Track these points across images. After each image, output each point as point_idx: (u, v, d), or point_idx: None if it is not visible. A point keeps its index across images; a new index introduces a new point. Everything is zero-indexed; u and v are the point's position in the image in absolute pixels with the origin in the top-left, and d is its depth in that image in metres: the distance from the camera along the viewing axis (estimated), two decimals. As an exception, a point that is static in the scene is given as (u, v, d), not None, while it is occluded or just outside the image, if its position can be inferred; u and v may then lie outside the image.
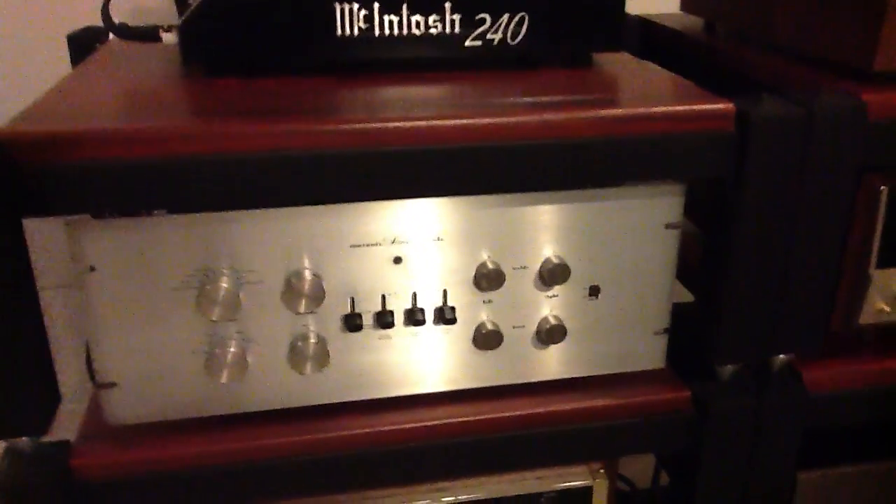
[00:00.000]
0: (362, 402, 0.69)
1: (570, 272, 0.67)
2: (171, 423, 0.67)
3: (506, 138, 0.60)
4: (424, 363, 0.69)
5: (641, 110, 0.62)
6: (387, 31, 0.72)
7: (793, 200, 0.66)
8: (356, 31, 0.71)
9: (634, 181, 0.67)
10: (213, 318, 0.62)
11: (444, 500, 0.75)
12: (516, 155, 0.60)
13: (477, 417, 0.70)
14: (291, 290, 0.63)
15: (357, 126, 0.58)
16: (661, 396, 0.74)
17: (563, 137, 0.61)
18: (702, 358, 0.74)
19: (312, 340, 0.65)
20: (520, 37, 0.74)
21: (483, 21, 0.74)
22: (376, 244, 0.64)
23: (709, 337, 0.71)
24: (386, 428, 0.69)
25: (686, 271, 0.73)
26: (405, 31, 0.73)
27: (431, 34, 0.73)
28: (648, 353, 0.73)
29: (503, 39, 0.74)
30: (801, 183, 0.65)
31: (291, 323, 0.65)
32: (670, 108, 0.63)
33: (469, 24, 0.73)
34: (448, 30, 0.73)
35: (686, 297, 0.76)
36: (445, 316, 0.67)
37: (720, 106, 0.63)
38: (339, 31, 0.71)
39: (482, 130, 0.60)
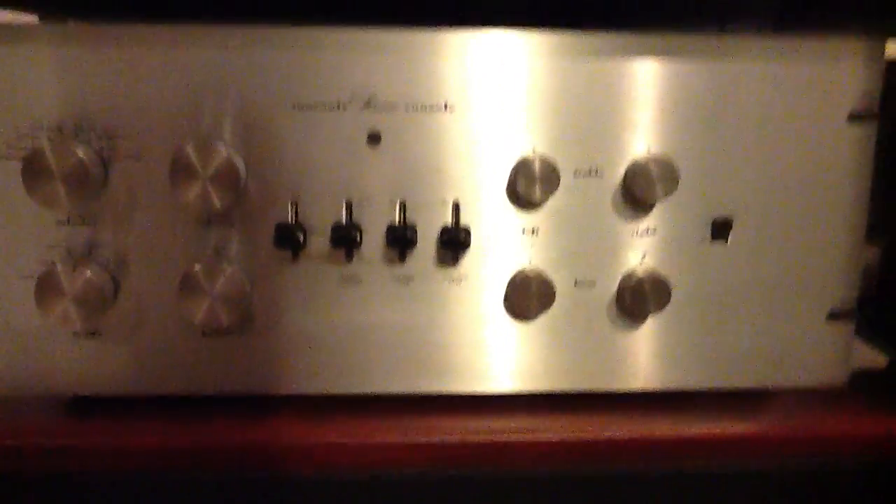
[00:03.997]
0: (305, 397, 0.40)
1: (677, 181, 0.38)
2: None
3: None
4: (413, 337, 0.40)
5: None
6: None
7: None
8: None
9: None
10: (39, 202, 0.36)
11: None
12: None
13: (491, 439, 0.40)
14: (186, 170, 0.36)
15: None
16: (838, 431, 0.42)
17: None
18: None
19: (223, 267, 0.37)
20: None
21: None
22: (337, 107, 0.38)
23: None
24: (340, 444, 0.40)
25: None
26: None
27: None
28: (816, 353, 0.42)
29: None
30: None
31: (190, 233, 0.38)
32: None
33: None
34: None
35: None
36: (457, 244, 0.39)
37: None
38: None
39: None
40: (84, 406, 0.41)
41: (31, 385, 0.39)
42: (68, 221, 0.37)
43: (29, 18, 0.60)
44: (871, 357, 0.47)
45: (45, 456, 0.39)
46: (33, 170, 0.35)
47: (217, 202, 0.36)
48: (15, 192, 0.37)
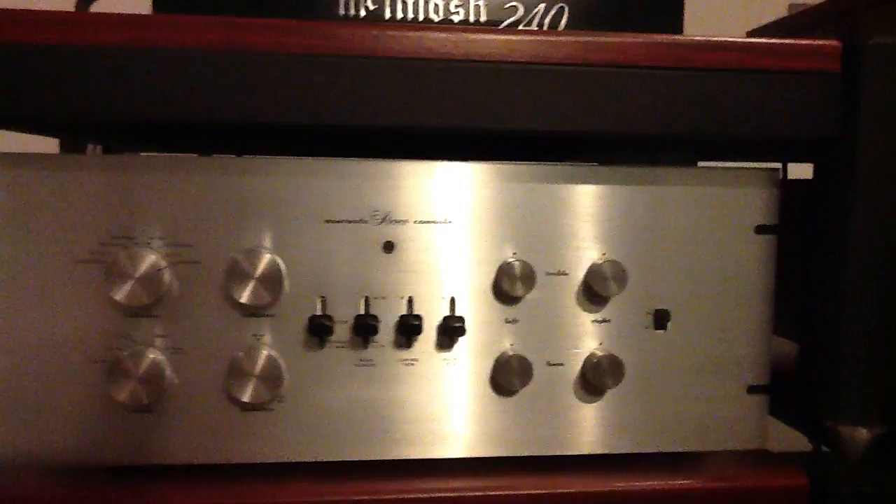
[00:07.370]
0: (322, 464, 0.48)
1: (626, 280, 0.49)
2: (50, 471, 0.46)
3: (547, 59, 0.45)
4: (415, 408, 0.48)
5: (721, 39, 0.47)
6: (399, 15, 0.60)
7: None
8: (362, 13, 0.59)
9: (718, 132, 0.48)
10: (120, 299, 0.43)
11: None
12: (563, 79, 0.45)
13: (480, 495, 0.48)
14: (237, 274, 0.45)
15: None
16: (759, 483, 0.51)
17: (625, 65, 0.45)
18: (820, 423, 0.52)
19: (262, 353, 0.45)
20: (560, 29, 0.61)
21: (514, 10, 0.61)
22: (360, 221, 0.47)
23: (827, 385, 0.50)
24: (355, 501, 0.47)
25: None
26: (420, 17, 0.60)
27: (452, 21, 0.60)
28: (739, 420, 0.52)
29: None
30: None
31: (235, 325, 0.46)
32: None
33: (497, 12, 0.61)
34: (472, 17, 0.61)
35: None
36: (451, 333, 0.48)
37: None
38: (341, 12, 0.59)
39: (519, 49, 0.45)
40: (132, 475, 0.47)
41: (87, 457, 0.45)
42: (134, 314, 0.45)
43: (50, 143, 0.67)
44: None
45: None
46: (114, 272, 0.43)
47: (266, 297, 0.44)
48: (88, 290, 0.44)
